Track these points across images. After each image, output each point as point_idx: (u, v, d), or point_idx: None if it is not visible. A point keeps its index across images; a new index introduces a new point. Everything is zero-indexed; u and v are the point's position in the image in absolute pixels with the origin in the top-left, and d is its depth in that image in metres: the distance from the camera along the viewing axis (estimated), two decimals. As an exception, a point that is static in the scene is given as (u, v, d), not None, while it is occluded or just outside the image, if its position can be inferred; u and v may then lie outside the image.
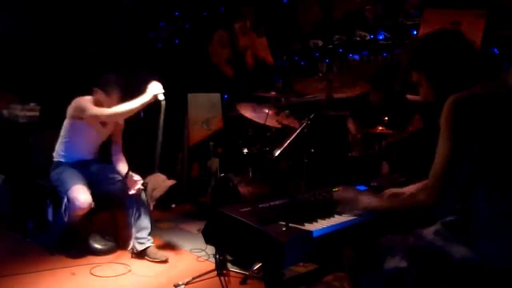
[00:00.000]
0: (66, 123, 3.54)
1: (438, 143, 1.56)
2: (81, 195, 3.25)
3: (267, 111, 3.61)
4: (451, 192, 1.53)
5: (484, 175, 1.53)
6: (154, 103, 3.33)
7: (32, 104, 4.51)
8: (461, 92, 1.56)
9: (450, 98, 1.56)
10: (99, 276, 3.11)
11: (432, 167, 1.56)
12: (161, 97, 3.33)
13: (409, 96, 3.47)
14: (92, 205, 3.31)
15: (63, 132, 3.55)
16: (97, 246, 3.46)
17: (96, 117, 3.43)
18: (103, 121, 3.54)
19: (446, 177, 1.53)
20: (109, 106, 3.43)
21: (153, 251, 3.42)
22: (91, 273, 3.15)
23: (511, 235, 1.51)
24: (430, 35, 1.74)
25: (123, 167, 3.64)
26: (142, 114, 5.00)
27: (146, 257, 3.40)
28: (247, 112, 3.69)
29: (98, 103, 3.49)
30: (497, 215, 1.52)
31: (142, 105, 3.29)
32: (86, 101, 3.48)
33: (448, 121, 1.54)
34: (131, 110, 3.33)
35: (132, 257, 3.44)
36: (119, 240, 3.68)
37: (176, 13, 5.92)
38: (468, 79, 1.63)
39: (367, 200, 1.83)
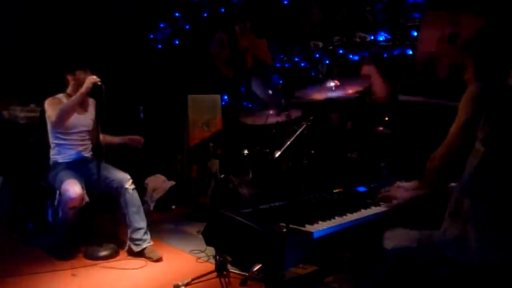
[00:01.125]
0: (48, 125, 3.57)
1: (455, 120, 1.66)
2: (72, 187, 3.24)
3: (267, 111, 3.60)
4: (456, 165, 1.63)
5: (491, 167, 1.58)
6: (97, 90, 3.41)
7: (32, 105, 4.50)
8: (485, 82, 1.66)
9: (473, 85, 1.65)
10: (99, 278, 3.11)
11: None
12: (99, 82, 3.40)
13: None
14: (86, 199, 3.32)
15: (49, 134, 3.58)
16: (99, 254, 3.41)
17: (50, 118, 3.48)
18: (78, 109, 3.56)
19: (453, 149, 1.64)
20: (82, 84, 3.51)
21: (148, 249, 3.43)
22: (91, 275, 3.15)
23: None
24: (492, 28, 1.80)
25: (110, 137, 3.76)
26: (142, 115, 5.01)
27: (142, 256, 3.42)
28: (249, 120, 3.69)
29: (70, 95, 3.56)
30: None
31: (82, 94, 3.40)
32: (50, 103, 3.51)
33: (466, 104, 1.63)
34: (73, 103, 3.42)
35: (127, 256, 3.45)
36: (118, 240, 3.69)
37: (176, 14, 5.93)
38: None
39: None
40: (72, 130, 3.57)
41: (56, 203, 3.34)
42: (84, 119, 3.66)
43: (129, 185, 3.50)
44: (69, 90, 3.62)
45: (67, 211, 3.30)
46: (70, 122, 3.51)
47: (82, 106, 3.62)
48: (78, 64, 3.60)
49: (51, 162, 3.58)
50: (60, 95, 3.61)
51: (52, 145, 3.59)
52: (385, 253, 1.75)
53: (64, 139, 3.57)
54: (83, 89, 3.39)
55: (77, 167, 3.54)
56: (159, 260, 3.39)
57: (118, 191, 3.49)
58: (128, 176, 3.54)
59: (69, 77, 3.59)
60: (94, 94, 3.49)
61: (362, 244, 1.85)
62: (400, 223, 1.92)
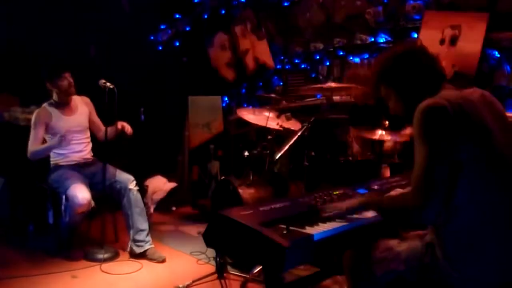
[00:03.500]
0: None
1: (414, 150, 1.58)
2: (80, 192, 3.24)
3: (267, 113, 3.61)
4: (435, 195, 1.51)
5: (463, 179, 1.53)
6: (110, 93, 3.35)
7: (32, 107, 4.50)
8: (428, 99, 1.60)
9: (420, 106, 1.58)
10: (99, 280, 3.11)
11: (412, 173, 1.57)
12: (108, 84, 3.35)
13: None
14: (92, 204, 3.31)
15: (46, 140, 3.56)
16: (100, 256, 3.37)
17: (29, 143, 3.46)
18: (66, 112, 3.56)
19: (427, 180, 1.51)
20: (67, 92, 3.50)
21: (151, 251, 3.43)
22: (91, 277, 3.15)
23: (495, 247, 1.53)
24: (398, 52, 1.77)
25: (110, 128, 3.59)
26: (142, 117, 5.01)
27: (144, 258, 3.41)
28: (247, 116, 3.70)
29: (56, 103, 3.55)
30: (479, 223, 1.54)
31: (53, 147, 3.43)
32: (35, 118, 3.47)
33: (420, 127, 1.57)
34: (48, 151, 3.47)
35: (128, 258, 3.44)
36: (119, 242, 3.69)
37: (177, 16, 5.93)
38: (432, 91, 1.67)
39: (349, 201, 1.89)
40: (61, 133, 3.45)
41: (62, 208, 3.33)
42: (73, 120, 3.59)
43: (133, 186, 3.50)
44: (54, 97, 3.56)
45: (75, 216, 3.30)
46: (56, 125, 3.48)
47: (68, 107, 3.58)
48: (56, 71, 3.49)
49: (51, 165, 3.57)
50: (45, 104, 3.55)
51: None
52: (376, 278, 1.75)
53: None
54: (55, 142, 3.35)
55: (80, 170, 3.54)
56: (163, 261, 3.39)
57: (121, 192, 3.49)
58: (132, 177, 3.54)
59: (49, 86, 3.51)
60: (107, 97, 3.39)
61: (362, 247, 1.84)
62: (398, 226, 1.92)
